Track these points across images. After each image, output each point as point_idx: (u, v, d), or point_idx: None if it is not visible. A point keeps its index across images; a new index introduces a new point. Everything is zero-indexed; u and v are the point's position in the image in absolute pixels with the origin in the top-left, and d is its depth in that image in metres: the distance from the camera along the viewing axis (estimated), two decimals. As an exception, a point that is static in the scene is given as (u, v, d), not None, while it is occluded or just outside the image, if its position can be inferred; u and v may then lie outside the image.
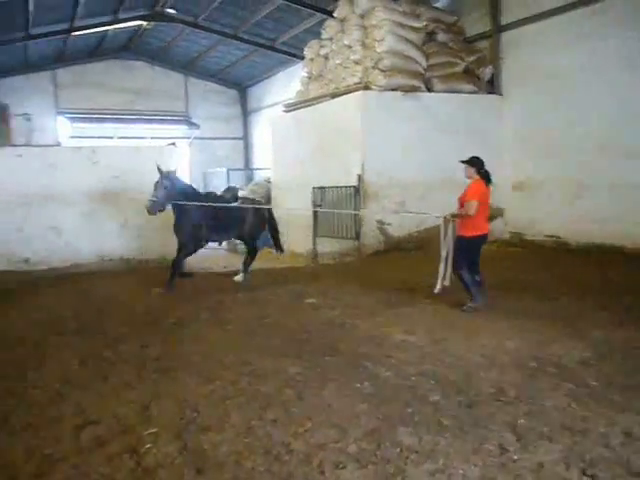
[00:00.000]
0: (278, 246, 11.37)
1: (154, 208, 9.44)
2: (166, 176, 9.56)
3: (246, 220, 10.43)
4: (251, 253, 10.70)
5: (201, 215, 9.78)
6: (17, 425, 4.25)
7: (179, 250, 9.86)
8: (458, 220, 7.55)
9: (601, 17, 11.60)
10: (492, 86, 14.36)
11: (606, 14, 11.49)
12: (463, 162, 7.66)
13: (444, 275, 7.57)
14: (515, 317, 6.99)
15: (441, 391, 4.67)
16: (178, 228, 9.85)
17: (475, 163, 7.61)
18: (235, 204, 10.58)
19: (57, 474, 3.52)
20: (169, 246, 11.62)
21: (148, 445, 3.84)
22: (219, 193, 11.67)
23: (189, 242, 9.86)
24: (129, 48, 24.46)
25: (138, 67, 25.31)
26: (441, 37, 14.23)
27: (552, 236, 12.82)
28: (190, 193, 9.99)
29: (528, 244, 13.21)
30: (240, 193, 12.18)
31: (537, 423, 4.03)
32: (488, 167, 7.64)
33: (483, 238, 7.67)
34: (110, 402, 4.62)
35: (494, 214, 13.88)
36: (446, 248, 7.56)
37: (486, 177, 7.58)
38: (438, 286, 7.56)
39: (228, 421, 4.18)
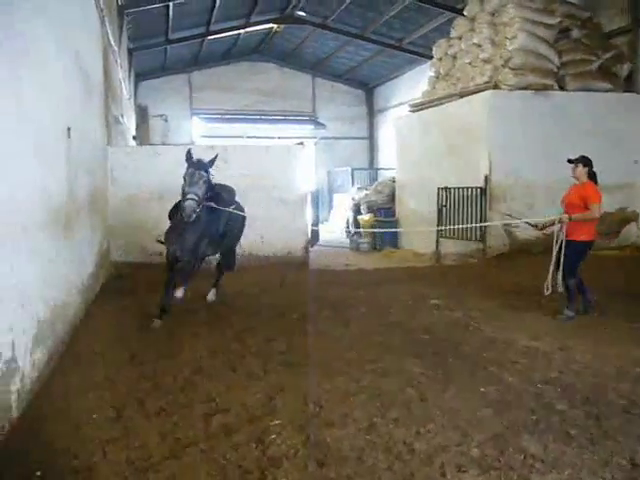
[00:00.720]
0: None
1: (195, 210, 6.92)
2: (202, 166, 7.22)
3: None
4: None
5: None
6: (152, 409, 4.51)
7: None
8: (569, 224, 7.17)
9: None
10: (630, 84, 13.59)
11: None
12: (572, 161, 7.36)
13: (555, 279, 7.29)
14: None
15: (568, 400, 4.54)
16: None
17: (587, 163, 7.28)
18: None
19: (187, 457, 3.73)
20: (290, 241, 12.03)
21: (273, 436, 3.99)
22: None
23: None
24: (260, 50, 25.28)
25: (268, 69, 26.10)
26: (575, 33, 13.62)
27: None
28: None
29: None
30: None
31: (673, 440, 3.83)
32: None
33: (593, 243, 7.31)
34: (238, 392, 4.82)
35: (629, 218, 13.21)
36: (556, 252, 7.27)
37: (594, 178, 7.25)
38: (547, 290, 7.27)
39: (351, 417, 4.27)
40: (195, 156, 7.23)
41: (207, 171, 7.17)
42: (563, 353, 5.80)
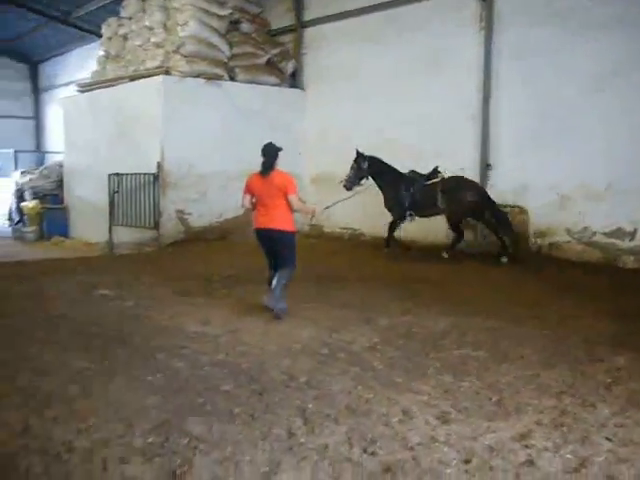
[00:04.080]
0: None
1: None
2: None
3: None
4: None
5: None
6: None
7: None
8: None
9: (400, 22, 12.41)
10: (295, 80, 14.70)
11: (404, 19, 12.31)
12: None
13: None
14: (310, 306, 7.26)
15: (233, 380, 4.68)
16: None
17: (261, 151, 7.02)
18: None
19: None
20: None
21: None
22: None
23: None
24: None
25: None
26: (245, 27, 14.25)
27: (349, 228, 13.52)
28: None
29: (326, 235, 13.73)
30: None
31: (325, 406, 4.18)
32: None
33: (260, 232, 6.96)
34: None
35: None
36: None
37: (262, 167, 6.96)
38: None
39: (1, 421, 3.85)
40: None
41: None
42: (231, 336, 5.97)
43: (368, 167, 10.63)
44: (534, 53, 10.47)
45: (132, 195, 12.55)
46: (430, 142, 11.86)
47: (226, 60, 13.53)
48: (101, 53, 15.05)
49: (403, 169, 10.76)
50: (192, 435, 3.67)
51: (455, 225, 10.56)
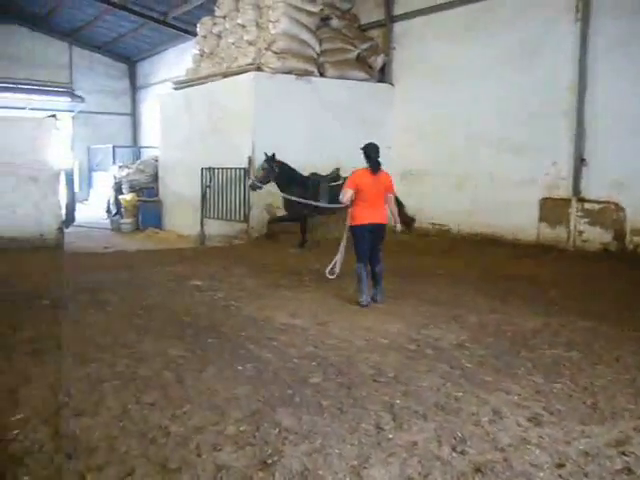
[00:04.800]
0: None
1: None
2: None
3: None
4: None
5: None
6: None
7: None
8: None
9: (491, 14, 12.12)
10: (383, 75, 14.63)
11: (495, 12, 12.01)
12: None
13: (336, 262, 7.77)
14: (397, 301, 7.25)
15: (322, 373, 4.72)
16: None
17: (365, 150, 7.29)
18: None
19: None
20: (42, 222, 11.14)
21: (15, 431, 3.64)
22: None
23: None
24: (7, 11, 22.89)
25: (16, 32, 23.67)
26: (335, 23, 14.32)
27: (436, 224, 13.31)
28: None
29: (414, 231, 13.57)
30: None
31: (413, 403, 4.15)
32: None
33: (365, 228, 7.19)
34: (-27, 387, 4.35)
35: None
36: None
37: (372, 166, 7.22)
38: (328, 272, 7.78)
39: (103, 405, 4.05)
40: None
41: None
42: (319, 329, 6.04)
43: (277, 170, 11.28)
44: (634, 44, 9.97)
45: (223, 189, 12.85)
46: (522, 136, 11.55)
47: (316, 56, 13.63)
48: (196, 51, 15.48)
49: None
50: (282, 426, 3.74)
51: None
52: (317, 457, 3.36)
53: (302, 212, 11.36)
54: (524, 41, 11.54)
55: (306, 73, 13.24)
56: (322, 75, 13.66)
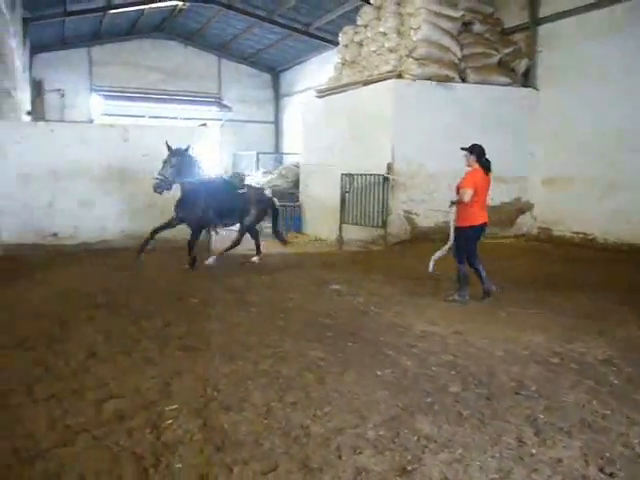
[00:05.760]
0: (279, 236, 11.33)
1: (160, 187, 9.10)
2: (176, 153, 9.21)
3: (249, 207, 10.21)
4: (239, 240, 10.39)
5: (209, 198, 9.56)
6: (41, 395, 4.31)
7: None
8: (456, 210, 7.51)
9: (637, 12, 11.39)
10: (527, 79, 14.17)
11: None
12: (463, 149, 7.56)
13: (435, 260, 7.92)
14: (536, 312, 7.01)
15: (461, 382, 4.67)
16: (185, 209, 9.56)
17: (476, 151, 7.48)
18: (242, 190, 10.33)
19: (78, 445, 3.58)
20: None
21: (169, 421, 3.89)
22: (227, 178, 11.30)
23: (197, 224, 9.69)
24: (163, 28, 24.56)
25: (171, 47, 25.43)
26: (477, 28, 14.06)
27: (580, 233, 12.69)
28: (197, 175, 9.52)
29: (555, 239, 13.09)
30: (247, 180, 12.14)
31: (557, 418, 4.01)
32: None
33: (480, 228, 7.52)
34: (133, 377, 4.69)
35: (523, 208, 13.82)
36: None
37: (486, 166, 7.45)
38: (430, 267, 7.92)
39: (248, 401, 4.23)
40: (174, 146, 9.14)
41: (184, 156, 9.19)
42: (458, 337, 5.96)
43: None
44: None
45: (362, 194, 12.99)
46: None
47: (457, 61, 13.46)
48: (337, 60, 15.77)
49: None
50: (421, 433, 3.74)
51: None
52: (457, 467, 3.33)
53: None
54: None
55: (447, 79, 13.11)
56: (463, 81, 13.46)
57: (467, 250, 7.46)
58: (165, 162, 9.16)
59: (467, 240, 7.46)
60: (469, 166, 7.56)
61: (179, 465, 3.37)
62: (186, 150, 9.32)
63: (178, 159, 9.18)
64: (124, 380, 4.63)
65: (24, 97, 17.22)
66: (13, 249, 10.52)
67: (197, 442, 3.63)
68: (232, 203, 9.96)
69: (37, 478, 3.24)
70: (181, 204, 9.61)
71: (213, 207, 9.66)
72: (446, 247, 7.81)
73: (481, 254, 7.67)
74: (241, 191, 10.22)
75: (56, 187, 11.39)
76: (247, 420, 3.93)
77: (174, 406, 4.13)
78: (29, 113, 17.74)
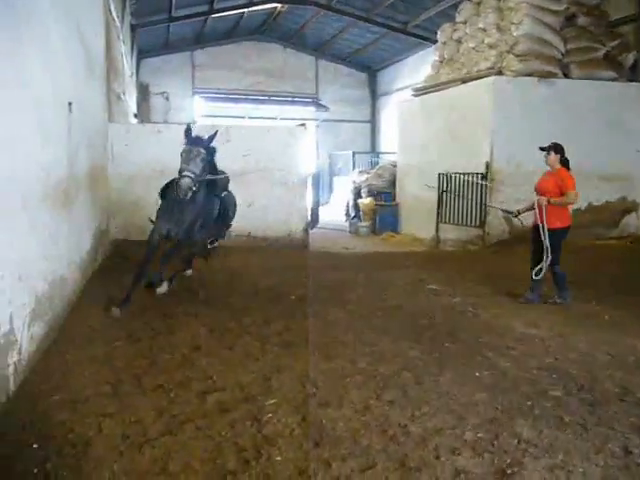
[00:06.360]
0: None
1: (192, 188, 6.40)
2: (200, 143, 6.74)
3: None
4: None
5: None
6: (148, 386, 4.53)
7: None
8: (543, 211, 7.21)
9: None
10: (634, 73, 13.51)
11: None
12: (544, 149, 7.39)
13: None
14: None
15: (562, 386, 4.56)
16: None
17: (559, 150, 7.33)
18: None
19: (183, 434, 3.76)
20: (290, 223, 11.99)
21: (269, 415, 4.02)
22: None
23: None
24: (263, 30, 25.06)
25: (271, 49, 25.88)
26: (581, 21, 13.51)
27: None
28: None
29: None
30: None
31: (666, 429, 3.85)
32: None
33: (569, 229, 7.37)
34: (234, 371, 4.85)
35: (629, 208, 13.20)
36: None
37: (566, 165, 7.29)
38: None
39: (346, 398, 4.30)
40: (195, 133, 6.84)
41: (207, 148, 6.71)
42: (559, 340, 5.82)
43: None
44: None
45: (460, 194, 12.81)
46: None
47: (560, 57, 13.00)
48: (435, 58, 15.58)
49: None
50: (521, 437, 3.69)
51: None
52: (559, 473, 3.27)
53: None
54: None
55: (549, 75, 12.68)
56: (566, 76, 12.98)
57: (559, 251, 7.27)
58: (190, 154, 6.59)
59: (560, 241, 7.28)
60: (550, 165, 7.35)
61: (278, 458, 3.47)
62: (210, 140, 6.86)
63: (205, 152, 6.74)
64: (226, 374, 4.79)
65: (131, 100, 18.05)
66: (121, 244, 11.05)
67: (296, 437, 3.73)
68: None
69: (145, 464, 3.42)
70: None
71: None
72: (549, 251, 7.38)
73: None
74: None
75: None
76: (345, 417, 4.00)
77: (274, 400, 4.25)
78: (136, 115, 18.57)
